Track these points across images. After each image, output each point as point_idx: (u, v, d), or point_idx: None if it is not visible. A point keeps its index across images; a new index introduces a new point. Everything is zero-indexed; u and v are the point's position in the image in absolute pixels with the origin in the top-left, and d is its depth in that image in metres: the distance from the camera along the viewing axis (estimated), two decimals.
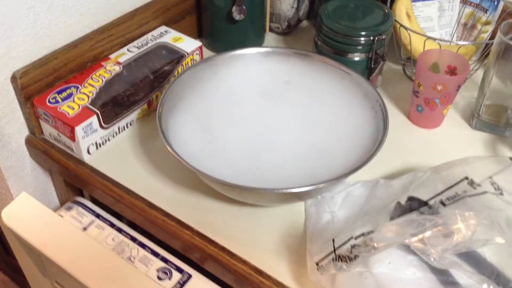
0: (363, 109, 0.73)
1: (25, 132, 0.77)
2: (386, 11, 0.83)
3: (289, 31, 1.01)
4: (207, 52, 0.96)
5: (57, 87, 0.75)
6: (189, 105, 0.74)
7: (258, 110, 0.76)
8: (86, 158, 0.74)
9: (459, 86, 0.77)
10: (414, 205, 0.59)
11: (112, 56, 0.81)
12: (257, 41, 0.97)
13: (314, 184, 0.58)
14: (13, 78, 0.70)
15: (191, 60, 0.85)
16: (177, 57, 0.83)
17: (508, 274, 0.48)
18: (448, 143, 0.79)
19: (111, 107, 0.74)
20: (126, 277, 0.65)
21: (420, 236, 0.48)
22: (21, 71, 0.70)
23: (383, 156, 0.65)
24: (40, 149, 0.76)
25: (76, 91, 0.74)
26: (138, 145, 0.77)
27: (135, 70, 0.79)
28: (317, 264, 0.57)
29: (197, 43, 0.85)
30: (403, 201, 0.61)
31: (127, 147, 0.77)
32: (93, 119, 0.71)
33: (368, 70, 0.83)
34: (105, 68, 0.78)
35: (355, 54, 0.81)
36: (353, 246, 0.53)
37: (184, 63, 0.83)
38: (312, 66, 0.78)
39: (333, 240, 0.57)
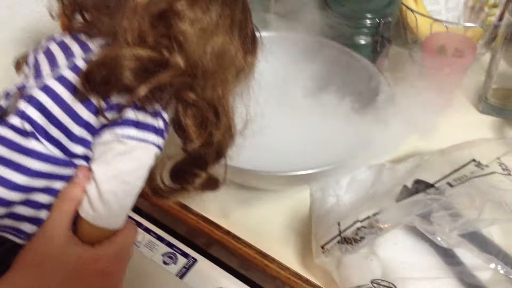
0: (369, 93, 0.72)
1: None
2: None
3: (293, 15, 1.00)
4: None
5: None
6: None
7: (264, 93, 0.76)
8: None
9: (466, 69, 0.76)
10: (421, 188, 0.58)
11: None
12: (262, 25, 0.96)
13: (318, 167, 0.58)
14: (17, 64, 0.70)
15: None
16: None
17: None
18: (455, 127, 0.78)
19: None
20: (131, 262, 0.65)
21: (427, 215, 0.47)
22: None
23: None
24: None
25: None
26: None
27: None
28: (323, 247, 0.57)
29: None
30: (409, 184, 0.60)
31: None
32: None
33: (374, 53, 0.82)
34: None
35: (361, 37, 0.80)
36: (358, 229, 0.53)
37: None
38: (318, 50, 0.78)
39: (339, 223, 0.57)
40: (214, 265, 0.66)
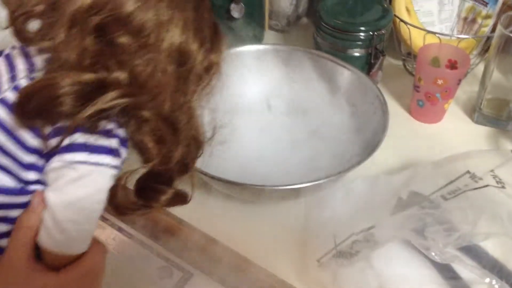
0: (363, 105, 0.72)
1: None
2: (385, 6, 0.82)
3: (288, 29, 1.01)
4: None
5: None
6: None
7: (257, 107, 0.76)
8: None
9: (460, 80, 0.76)
10: (416, 200, 0.58)
11: None
12: (256, 39, 0.97)
13: (312, 181, 0.58)
14: None
15: None
16: None
17: (510, 267, 0.48)
18: (450, 138, 0.78)
19: None
20: (127, 276, 0.64)
21: (421, 230, 0.47)
22: None
23: (384, 151, 0.65)
24: None
25: None
26: None
27: None
28: (318, 261, 0.57)
29: None
30: (404, 196, 0.60)
31: None
32: None
33: (368, 65, 0.82)
34: None
35: (355, 49, 0.80)
36: (354, 242, 0.53)
37: None
38: (312, 63, 0.78)
39: (334, 236, 0.57)
40: (210, 279, 0.66)
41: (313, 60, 0.78)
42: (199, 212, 0.67)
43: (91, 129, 0.40)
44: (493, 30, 0.84)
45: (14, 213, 0.42)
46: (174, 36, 0.41)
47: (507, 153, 0.59)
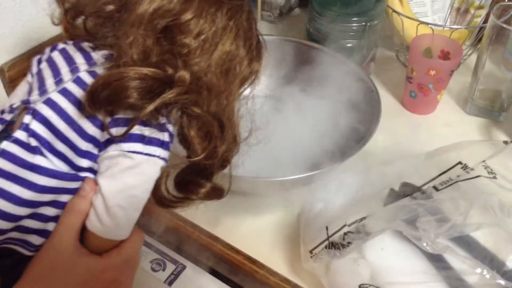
0: (356, 96, 0.72)
1: None
2: None
3: (281, 19, 1.00)
4: None
5: None
6: None
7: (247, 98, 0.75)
8: None
9: (453, 71, 0.76)
10: (408, 191, 0.58)
11: None
12: None
13: (305, 173, 0.58)
14: (1, 71, 0.70)
15: None
16: None
17: (501, 257, 0.48)
18: (443, 129, 0.79)
19: None
20: None
21: (413, 221, 0.47)
22: (9, 64, 0.69)
23: (376, 142, 0.65)
24: None
25: None
26: None
27: None
28: (311, 252, 0.57)
29: None
30: (396, 187, 0.60)
31: None
32: None
33: (360, 56, 0.82)
34: None
35: (347, 40, 0.80)
36: (346, 233, 0.53)
37: None
38: (305, 54, 0.78)
39: (327, 228, 0.57)
40: (203, 272, 0.66)
41: (306, 51, 0.78)
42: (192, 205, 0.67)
43: (149, 122, 0.42)
44: (486, 20, 0.84)
45: (63, 198, 0.44)
46: (226, 42, 0.44)
47: (499, 144, 0.59)
